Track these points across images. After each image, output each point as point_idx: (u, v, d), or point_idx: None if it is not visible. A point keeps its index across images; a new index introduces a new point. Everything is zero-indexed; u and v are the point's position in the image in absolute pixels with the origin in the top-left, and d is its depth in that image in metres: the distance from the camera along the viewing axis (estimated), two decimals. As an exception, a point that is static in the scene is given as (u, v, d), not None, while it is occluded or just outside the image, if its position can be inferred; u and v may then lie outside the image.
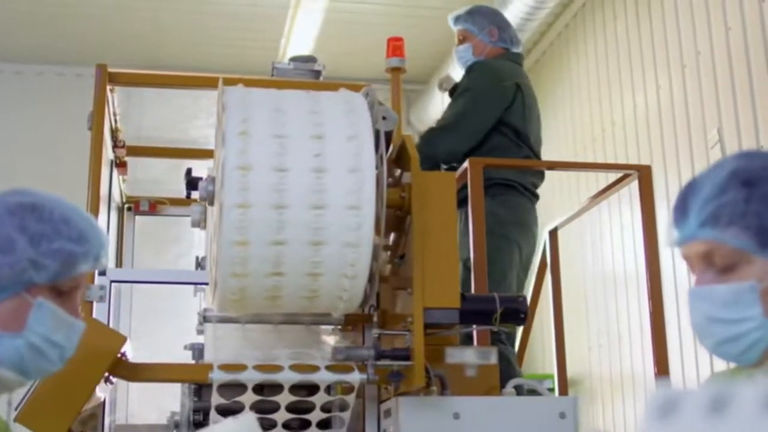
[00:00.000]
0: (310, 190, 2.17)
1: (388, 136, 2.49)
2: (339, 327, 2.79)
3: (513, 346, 3.71)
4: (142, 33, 6.69)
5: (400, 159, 2.53)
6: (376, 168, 2.23)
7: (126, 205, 4.01)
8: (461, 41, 4.07)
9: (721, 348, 1.34)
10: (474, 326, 2.58)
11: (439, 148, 3.67)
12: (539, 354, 6.15)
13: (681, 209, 1.36)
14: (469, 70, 3.96)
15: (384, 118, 2.39)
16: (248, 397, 2.31)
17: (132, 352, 4.16)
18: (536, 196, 3.89)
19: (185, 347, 2.79)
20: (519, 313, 2.40)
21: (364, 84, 2.45)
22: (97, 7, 6.38)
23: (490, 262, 3.51)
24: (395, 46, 2.81)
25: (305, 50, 6.04)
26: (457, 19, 4.10)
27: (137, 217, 4.11)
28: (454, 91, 4.02)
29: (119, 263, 3.92)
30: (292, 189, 2.16)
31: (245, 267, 2.18)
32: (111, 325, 3.69)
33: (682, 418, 0.61)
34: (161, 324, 5.25)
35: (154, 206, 3.99)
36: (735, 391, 0.61)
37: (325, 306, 2.37)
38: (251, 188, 2.15)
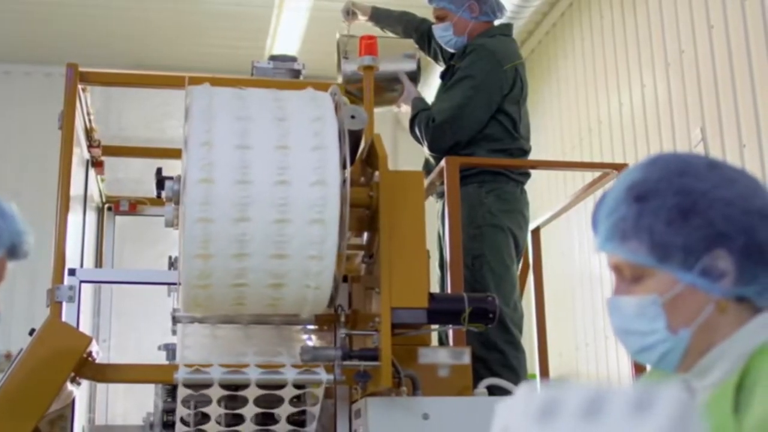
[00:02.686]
0: (274, 204, 2.16)
1: (358, 134, 2.47)
2: (315, 327, 2.77)
3: (518, 349, 3.50)
4: (130, 33, 6.68)
5: (370, 158, 2.52)
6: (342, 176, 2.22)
7: (106, 205, 3.99)
8: (440, 20, 3.84)
9: (638, 357, 1.35)
10: (440, 326, 2.56)
11: (443, 143, 3.57)
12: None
13: (593, 221, 1.37)
14: (466, 53, 3.75)
15: (353, 117, 2.38)
16: (214, 408, 2.30)
17: (112, 352, 4.15)
18: (526, 175, 3.75)
19: (159, 347, 2.78)
20: (488, 313, 2.38)
21: (333, 83, 2.43)
22: (86, 7, 6.36)
23: (491, 257, 3.48)
24: (368, 45, 2.79)
25: (292, 49, 6.03)
26: None
27: (120, 217, 4.09)
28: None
29: (99, 263, 3.89)
30: (254, 201, 2.15)
31: (208, 279, 2.18)
32: (91, 326, 3.69)
33: (558, 420, 0.61)
34: (142, 324, 5.24)
35: (134, 206, 3.96)
36: (608, 394, 0.61)
37: (289, 308, 2.36)
38: (213, 202, 2.14)
